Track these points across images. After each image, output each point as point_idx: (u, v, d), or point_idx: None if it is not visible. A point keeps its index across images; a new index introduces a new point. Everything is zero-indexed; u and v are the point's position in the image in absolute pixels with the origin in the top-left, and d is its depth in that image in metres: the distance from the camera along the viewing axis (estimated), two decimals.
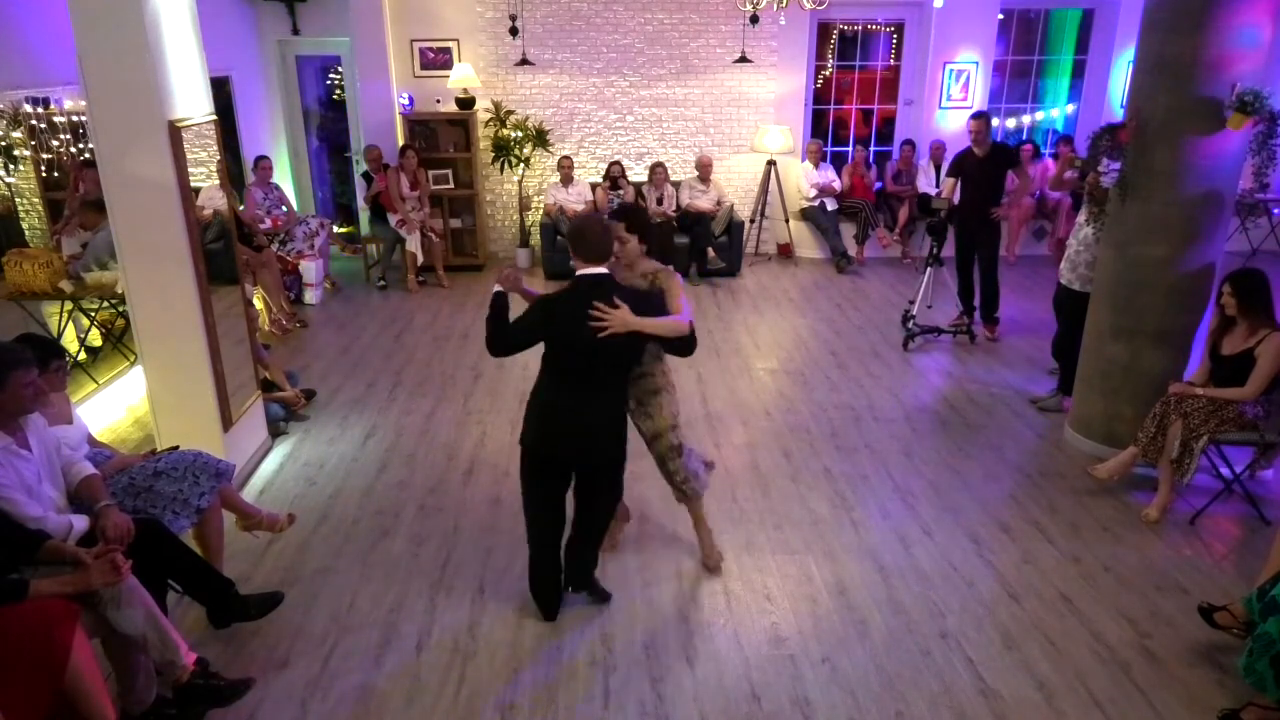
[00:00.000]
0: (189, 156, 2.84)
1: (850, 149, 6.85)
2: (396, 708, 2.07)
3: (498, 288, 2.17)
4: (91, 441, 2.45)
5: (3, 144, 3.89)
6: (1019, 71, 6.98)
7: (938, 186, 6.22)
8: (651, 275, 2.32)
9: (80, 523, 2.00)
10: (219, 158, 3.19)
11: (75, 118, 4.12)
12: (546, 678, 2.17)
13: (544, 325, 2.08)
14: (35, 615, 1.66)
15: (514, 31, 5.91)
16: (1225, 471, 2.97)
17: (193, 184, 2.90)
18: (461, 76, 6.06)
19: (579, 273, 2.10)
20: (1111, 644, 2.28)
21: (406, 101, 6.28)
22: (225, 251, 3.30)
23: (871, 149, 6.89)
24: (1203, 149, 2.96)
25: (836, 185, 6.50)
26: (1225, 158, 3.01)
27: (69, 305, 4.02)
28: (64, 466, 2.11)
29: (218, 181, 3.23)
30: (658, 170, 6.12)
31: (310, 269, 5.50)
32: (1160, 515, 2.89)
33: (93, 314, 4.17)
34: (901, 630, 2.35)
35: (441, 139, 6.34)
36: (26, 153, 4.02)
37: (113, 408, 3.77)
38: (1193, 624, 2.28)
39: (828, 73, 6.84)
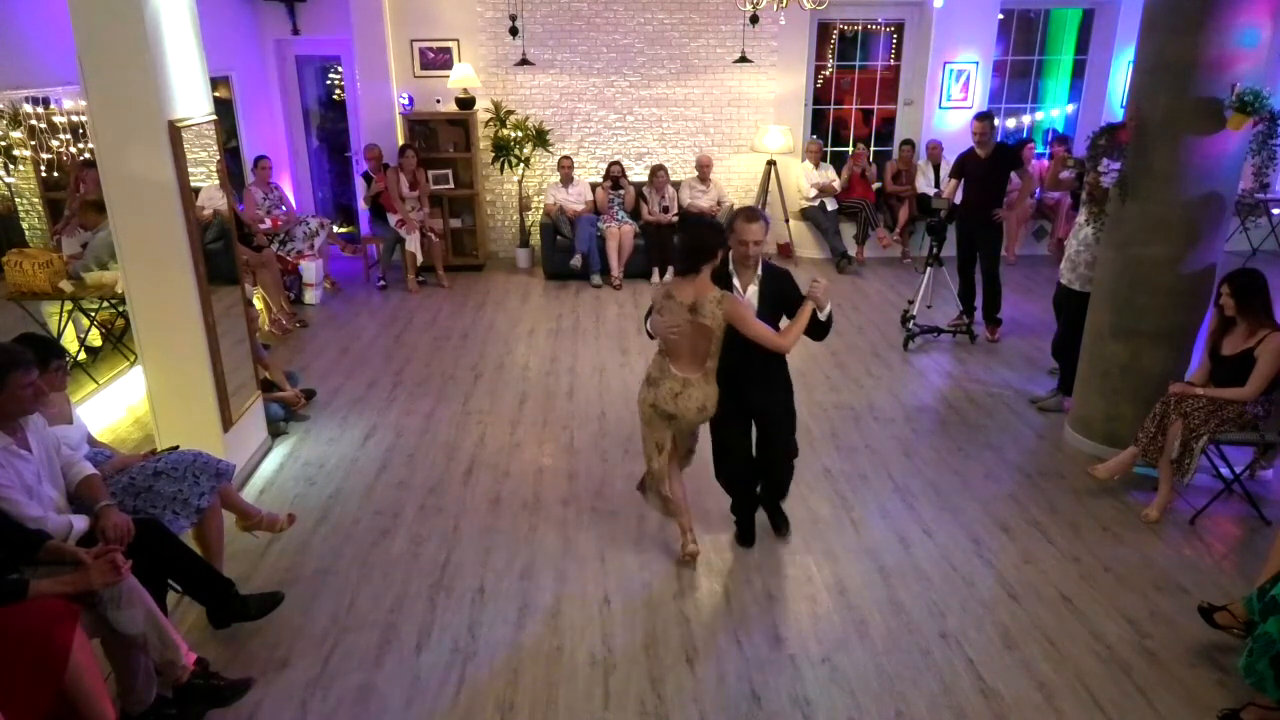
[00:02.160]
0: (189, 156, 2.84)
1: (850, 148, 6.86)
2: (396, 708, 2.07)
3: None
4: (91, 441, 2.45)
5: (3, 144, 3.89)
6: (1019, 71, 6.99)
7: (937, 186, 6.23)
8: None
9: (80, 523, 2.00)
10: (219, 158, 3.19)
11: (75, 118, 4.12)
12: (546, 678, 2.18)
13: None
14: (35, 615, 1.66)
15: (514, 31, 5.92)
16: (1225, 471, 2.97)
17: (193, 184, 2.91)
18: (461, 76, 6.06)
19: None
20: (1111, 644, 2.28)
21: (406, 101, 6.28)
22: (225, 251, 3.29)
23: (871, 149, 6.89)
24: (1203, 149, 2.96)
25: (836, 185, 6.50)
26: (1225, 158, 3.01)
27: (69, 305, 4.02)
28: (64, 466, 2.11)
29: (218, 181, 3.23)
30: (659, 173, 6.12)
31: (310, 269, 5.50)
32: (1160, 515, 2.90)
33: (93, 314, 4.17)
34: (901, 630, 2.35)
35: (441, 139, 6.35)
36: (26, 153, 4.02)
37: (113, 408, 3.77)
38: (1193, 624, 2.29)
39: (828, 73, 6.84)
